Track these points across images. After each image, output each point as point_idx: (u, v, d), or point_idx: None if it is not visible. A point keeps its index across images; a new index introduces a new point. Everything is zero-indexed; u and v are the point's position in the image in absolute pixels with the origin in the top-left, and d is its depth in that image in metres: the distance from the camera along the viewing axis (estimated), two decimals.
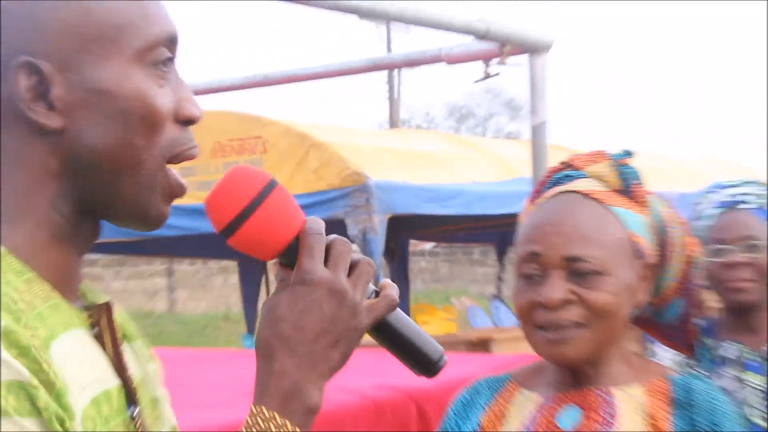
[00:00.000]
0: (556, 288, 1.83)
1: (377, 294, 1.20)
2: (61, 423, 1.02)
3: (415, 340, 1.21)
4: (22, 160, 1.14)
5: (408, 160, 11.00)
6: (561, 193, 1.95)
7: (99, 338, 1.21)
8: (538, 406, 1.96)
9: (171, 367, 1.76)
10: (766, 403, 2.83)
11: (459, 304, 15.14)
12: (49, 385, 1.02)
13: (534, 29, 4.29)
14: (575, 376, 1.95)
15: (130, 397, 1.22)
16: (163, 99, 1.15)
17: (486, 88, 48.13)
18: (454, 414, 2.03)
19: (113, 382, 1.19)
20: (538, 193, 2.03)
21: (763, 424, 2.83)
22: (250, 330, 14.20)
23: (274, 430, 1.10)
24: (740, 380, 2.87)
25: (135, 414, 1.23)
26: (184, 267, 25.72)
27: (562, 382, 1.97)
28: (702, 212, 3.02)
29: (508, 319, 14.37)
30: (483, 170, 11.57)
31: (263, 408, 1.12)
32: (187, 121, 1.18)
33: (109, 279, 22.87)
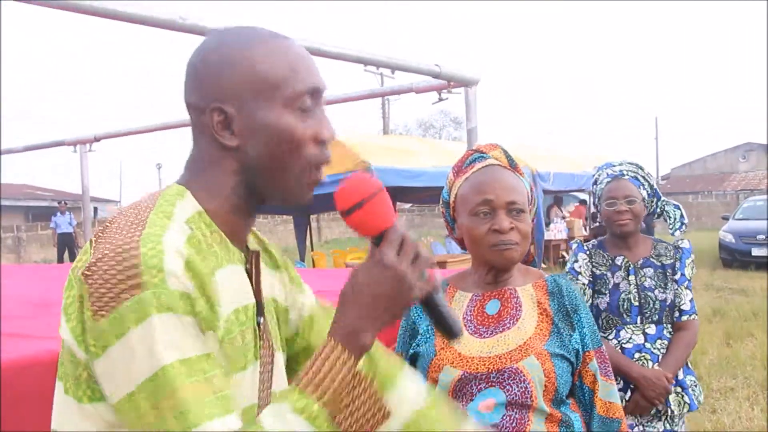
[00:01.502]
0: (505, 221, 1.83)
1: (429, 277, 1.16)
2: (208, 323, 1.05)
3: (445, 315, 1.20)
4: (217, 162, 1.18)
5: (394, 153, 11.39)
6: (487, 165, 1.93)
7: (249, 271, 1.24)
8: (471, 300, 1.93)
9: None
10: (637, 289, 2.93)
11: (426, 241, 15.59)
12: (207, 298, 1.06)
13: (468, 70, 4.36)
14: (495, 279, 1.93)
15: (260, 310, 1.23)
16: (304, 131, 1.15)
17: (440, 109, 50.80)
18: (413, 312, 1.97)
19: (251, 300, 1.21)
20: (460, 168, 1.99)
21: (635, 303, 2.91)
22: (301, 258, 14.48)
23: (335, 356, 1.08)
24: (625, 278, 2.95)
25: (261, 321, 1.24)
26: (262, 219, 26.22)
27: (485, 283, 1.94)
28: (599, 180, 3.10)
29: (456, 249, 14.32)
30: (439, 159, 11.94)
31: (332, 339, 1.10)
32: (323, 142, 1.18)
33: None
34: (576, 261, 3.05)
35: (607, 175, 3.05)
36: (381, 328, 1.13)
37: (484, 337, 1.85)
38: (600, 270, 3.00)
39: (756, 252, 15.55)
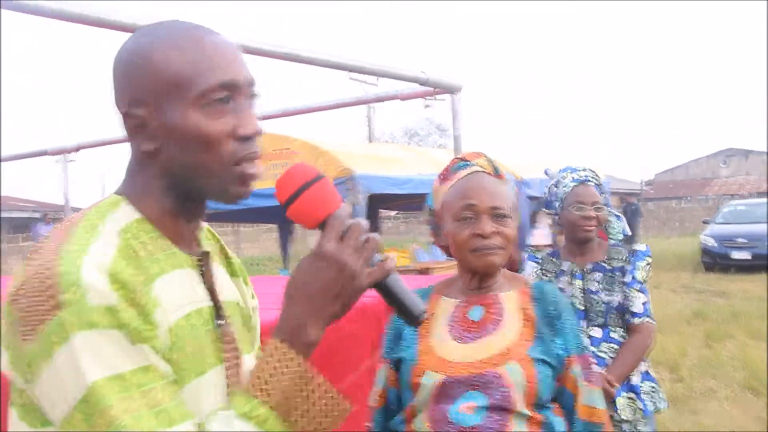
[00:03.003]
0: (488, 225, 1.85)
1: (382, 263, 1.10)
2: (139, 333, 1.00)
3: (404, 299, 1.13)
4: (143, 168, 1.15)
5: (379, 161, 11.01)
6: (472, 172, 1.95)
7: (205, 275, 1.20)
8: (455, 307, 1.94)
9: None
10: (582, 293, 2.94)
11: (411, 247, 15.66)
12: (140, 308, 1.01)
13: (453, 77, 4.36)
14: (479, 285, 1.94)
15: (218, 314, 1.19)
16: (215, 128, 1.09)
17: (425, 117, 50.85)
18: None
19: (206, 303, 1.17)
20: (445, 176, 2.02)
21: (581, 307, 2.91)
22: (285, 266, 14.66)
23: (280, 355, 1.03)
24: (570, 283, 2.97)
25: (220, 323, 1.19)
26: (246, 228, 25.99)
27: (469, 289, 1.95)
28: (562, 183, 3.06)
29: (440, 256, 13.53)
30: (423, 166, 11.53)
31: (275, 339, 1.05)
32: (243, 138, 1.12)
33: None
34: (524, 271, 3.08)
35: (573, 179, 3.04)
36: (329, 321, 1.09)
37: (467, 342, 1.86)
38: (547, 276, 3.03)
39: (736, 255, 15.72)
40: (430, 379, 1.82)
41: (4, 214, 37.68)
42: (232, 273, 1.35)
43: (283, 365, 1.04)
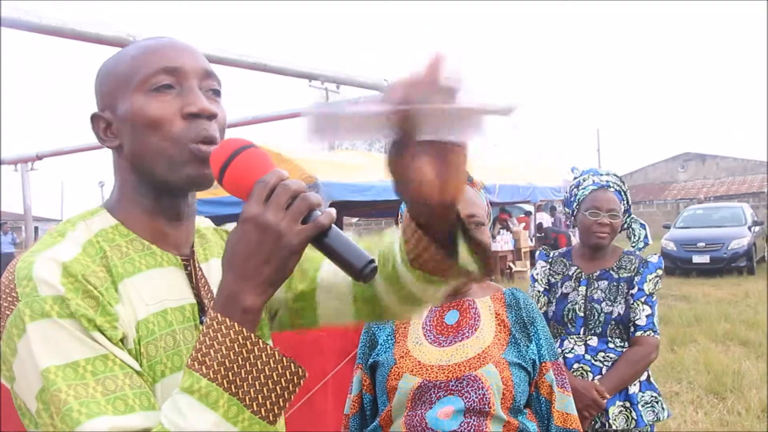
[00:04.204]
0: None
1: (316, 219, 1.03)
2: (93, 322, 1.01)
3: (344, 253, 1.04)
4: (117, 167, 1.20)
5: (341, 168, 11.38)
6: None
7: (191, 274, 1.20)
8: (430, 311, 1.95)
9: None
10: (584, 300, 2.89)
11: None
12: (93, 298, 1.02)
13: None
14: (454, 291, 1.92)
15: (202, 311, 1.19)
16: (161, 108, 1.11)
17: None
18: (372, 324, 1.99)
19: (189, 300, 1.17)
20: None
21: (581, 314, 2.87)
22: None
23: (216, 324, 0.99)
24: (574, 289, 2.92)
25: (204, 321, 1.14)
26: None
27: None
28: (582, 185, 3.01)
29: None
30: (385, 173, 12.11)
31: (211, 311, 1.02)
32: (190, 115, 1.11)
33: None
34: (535, 269, 3.05)
35: (593, 182, 2.98)
36: (266, 285, 1.02)
37: (443, 346, 1.87)
38: (555, 278, 2.99)
39: (697, 259, 15.96)
40: (408, 383, 1.82)
41: None
42: None
43: (219, 334, 0.99)
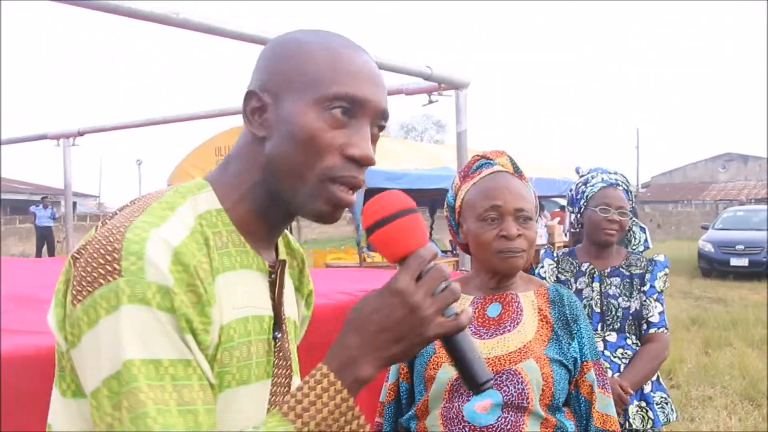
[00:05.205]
0: (513, 227, 1.84)
1: (457, 316, 1.03)
2: (191, 323, 0.96)
3: (469, 362, 1.04)
4: (246, 154, 1.11)
5: (376, 155, 11.56)
6: (495, 171, 1.94)
7: (273, 283, 1.16)
8: (472, 303, 1.93)
9: None
10: (600, 296, 2.88)
11: None
12: (197, 296, 0.97)
13: (459, 73, 4.28)
14: (497, 285, 1.93)
15: (278, 325, 1.16)
16: (329, 136, 1.05)
17: (422, 112, 50.89)
18: None
19: (268, 312, 1.14)
20: (467, 173, 2.00)
21: (597, 310, 2.86)
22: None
23: (326, 384, 0.97)
24: (588, 285, 2.91)
25: (277, 336, 1.16)
26: None
27: (487, 288, 1.94)
28: (591, 182, 3.00)
29: (438, 252, 15.05)
30: (421, 161, 11.90)
31: (324, 366, 0.99)
32: (350, 158, 1.06)
33: None
34: (542, 267, 3.04)
35: (603, 180, 2.98)
36: (386, 362, 1.01)
37: (484, 338, 1.85)
38: (565, 276, 2.98)
39: (735, 262, 15.72)
40: (447, 373, 1.80)
41: (2, 196, 37.65)
42: (297, 287, 1.33)
43: (326, 395, 0.97)
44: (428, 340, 1.00)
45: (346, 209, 1.11)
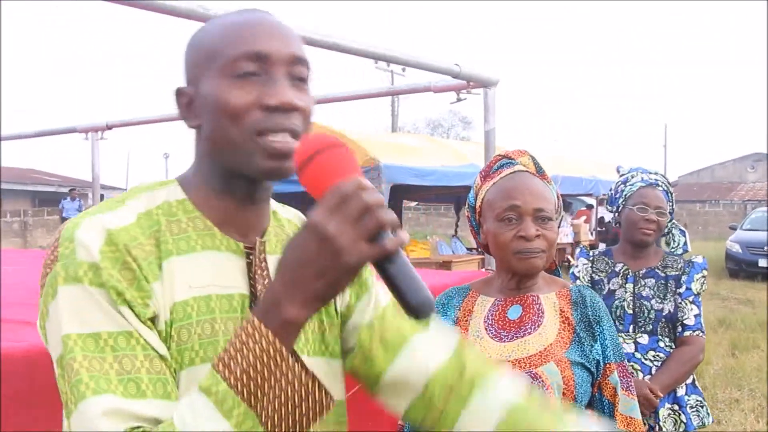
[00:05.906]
0: (532, 228, 1.82)
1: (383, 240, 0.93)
2: (123, 296, 0.98)
3: (403, 285, 0.95)
4: (195, 146, 1.16)
5: (403, 151, 11.23)
6: (515, 171, 1.92)
7: (251, 264, 1.14)
8: (493, 305, 1.92)
9: None
10: (632, 297, 2.86)
11: (432, 240, 15.23)
12: (130, 271, 1.00)
13: (488, 71, 4.24)
14: (518, 286, 1.91)
15: (253, 304, 1.12)
16: (240, 96, 1.06)
17: (449, 109, 50.85)
18: (436, 312, 1.92)
19: (241, 290, 1.12)
20: (488, 173, 1.98)
21: (629, 311, 2.84)
22: None
23: (250, 329, 0.93)
24: (621, 286, 2.89)
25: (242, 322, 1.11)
26: None
27: (508, 289, 1.92)
28: (631, 181, 2.99)
29: (461, 249, 14.62)
30: (447, 158, 11.91)
31: (250, 313, 0.96)
32: (269, 108, 1.06)
33: None
34: (576, 266, 3.03)
35: (642, 179, 2.97)
36: (313, 300, 0.94)
37: (504, 341, 1.84)
38: (599, 276, 2.96)
39: (763, 263, 15.49)
40: None
41: (30, 188, 38.09)
42: None
43: (251, 340, 0.92)
44: (353, 269, 0.92)
45: None
